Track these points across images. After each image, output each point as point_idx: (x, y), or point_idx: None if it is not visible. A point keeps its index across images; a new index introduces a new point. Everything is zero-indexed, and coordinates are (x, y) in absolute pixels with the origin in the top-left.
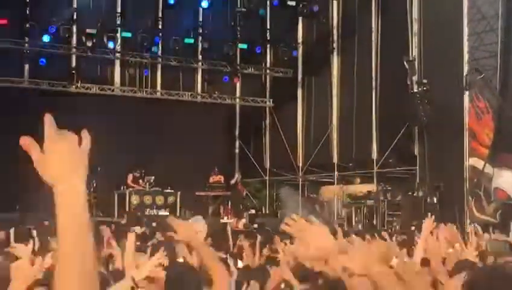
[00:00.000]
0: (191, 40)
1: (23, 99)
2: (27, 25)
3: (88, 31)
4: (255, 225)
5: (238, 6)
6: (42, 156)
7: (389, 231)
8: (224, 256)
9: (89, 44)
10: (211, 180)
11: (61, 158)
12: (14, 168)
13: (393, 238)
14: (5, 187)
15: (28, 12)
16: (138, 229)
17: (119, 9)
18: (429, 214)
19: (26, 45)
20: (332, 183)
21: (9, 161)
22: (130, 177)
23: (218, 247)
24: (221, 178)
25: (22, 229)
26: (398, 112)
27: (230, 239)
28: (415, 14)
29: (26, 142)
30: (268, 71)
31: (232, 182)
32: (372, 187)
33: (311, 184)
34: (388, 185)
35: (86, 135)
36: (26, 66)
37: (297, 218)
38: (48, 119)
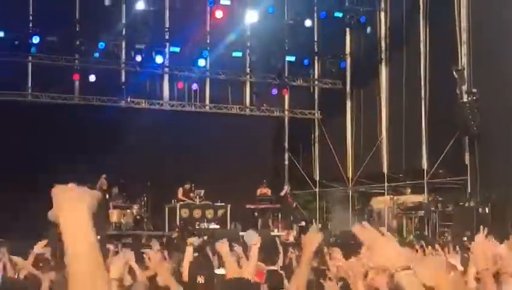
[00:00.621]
0: (239, 54)
1: (72, 114)
2: (77, 42)
3: (137, 46)
4: None
5: (286, 18)
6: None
7: (441, 241)
8: (274, 268)
9: (138, 59)
10: (259, 192)
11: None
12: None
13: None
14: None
15: (77, 29)
16: (196, 241)
17: (167, 25)
18: (481, 226)
19: (76, 61)
20: (382, 194)
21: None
22: (180, 191)
23: (268, 260)
24: (269, 191)
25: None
26: (448, 122)
27: (281, 251)
28: (464, 23)
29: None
30: (316, 83)
31: (282, 194)
32: (422, 197)
33: (361, 195)
34: (439, 195)
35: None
36: (77, 82)
37: (368, 226)
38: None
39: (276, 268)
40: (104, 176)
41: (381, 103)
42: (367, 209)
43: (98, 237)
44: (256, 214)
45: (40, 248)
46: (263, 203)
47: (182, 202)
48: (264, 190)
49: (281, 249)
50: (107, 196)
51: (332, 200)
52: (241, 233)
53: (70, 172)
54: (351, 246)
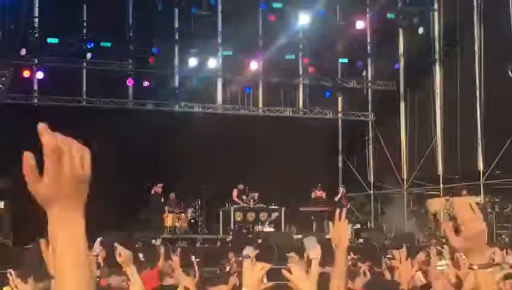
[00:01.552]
0: (292, 56)
1: (126, 119)
2: (130, 47)
3: (190, 50)
4: (361, 240)
5: (337, 20)
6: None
7: (498, 243)
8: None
9: (192, 63)
10: (313, 195)
11: (58, 178)
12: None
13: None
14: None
15: (131, 34)
16: (250, 251)
17: (219, 28)
18: None
19: (131, 66)
20: (437, 196)
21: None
22: (235, 192)
23: (324, 263)
24: (323, 194)
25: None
26: (504, 122)
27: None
28: None
29: (25, 159)
30: (370, 85)
31: (337, 198)
32: (479, 199)
33: (416, 197)
34: (495, 196)
35: (85, 151)
36: (130, 88)
37: (469, 201)
38: (44, 130)
39: (328, 271)
40: (160, 185)
41: (436, 103)
42: (422, 212)
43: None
44: (312, 217)
45: None
46: (318, 206)
47: (236, 205)
48: (319, 193)
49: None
50: (162, 200)
51: (386, 203)
52: (295, 236)
53: (123, 177)
54: (407, 249)
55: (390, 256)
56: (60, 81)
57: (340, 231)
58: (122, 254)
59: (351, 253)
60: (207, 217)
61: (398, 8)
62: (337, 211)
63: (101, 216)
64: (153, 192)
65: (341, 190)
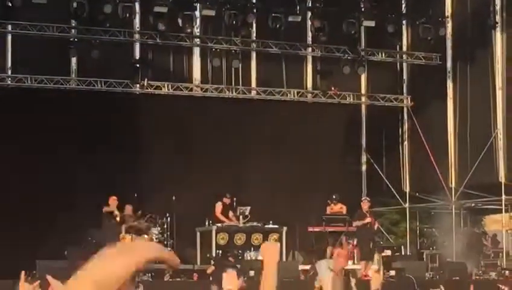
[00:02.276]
0: (298, 18)
1: (67, 102)
2: (73, 5)
3: (156, 9)
4: (392, 272)
5: None
6: None
7: None
8: None
9: (159, 27)
10: (329, 210)
11: None
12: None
13: None
14: (51, 229)
15: None
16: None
17: None
18: None
19: (74, 31)
20: (498, 211)
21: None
22: (219, 207)
23: None
24: (343, 208)
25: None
26: None
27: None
28: None
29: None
30: (405, 57)
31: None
32: None
33: (469, 213)
34: None
35: None
36: (74, 60)
37: None
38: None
39: None
40: (114, 197)
41: (496, 82)
42: (477, 232)
43: None
44: (325, 239)
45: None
46: (333, 225)
47: (219, 224)
48: (337, 207)
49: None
50: (118, 217)
51: (428, 220)
52: (301, 267)
53: (66, 180)
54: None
55: None
56: None
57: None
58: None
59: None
60: (179, 240)
61: None
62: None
63: (36, 241)
64: (104, 210)
65: (365, 202)
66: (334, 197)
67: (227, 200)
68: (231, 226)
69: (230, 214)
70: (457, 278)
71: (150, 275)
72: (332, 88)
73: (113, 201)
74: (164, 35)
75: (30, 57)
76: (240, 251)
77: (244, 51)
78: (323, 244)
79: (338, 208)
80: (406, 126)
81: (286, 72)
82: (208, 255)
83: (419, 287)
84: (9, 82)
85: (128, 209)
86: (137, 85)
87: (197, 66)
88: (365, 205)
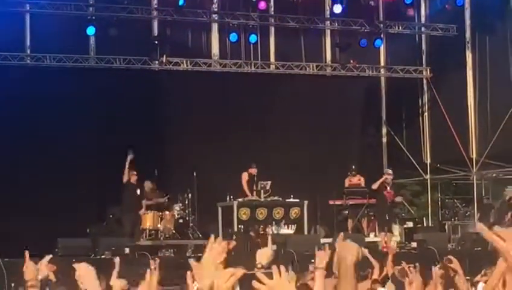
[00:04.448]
0: None
1: (89, 79)
2: None
3: None
4: (414, 244)
5: None
6: None
7: None
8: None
9: (177, 3)
10: (347, 182)
11: None
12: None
13: None
14: (73, 206)
15: None
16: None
17: None
18: None
19: (91, 9)
20: None
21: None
22: (245, 177)
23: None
24: (361, 180)
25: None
26: None
27: (377, 265)
28: None
29: None
30: (423, 29)
31: (375, 186)
32: None
33: (492, 183)
34: None
35: None
36: (92, 39)
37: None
38: None
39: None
40: (130, 156)
41: None
42: (499, 203)
43: None
44: (345, 212)
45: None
46: (353, 198)
47: (240, 199)
48: (355, 179)
49: (375, 261)
50: (138, 192)
51: (449, 191)
52: (323, 240)
53: (80, 163)
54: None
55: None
56: None
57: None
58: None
59: (402, 262)
60: (201, 216)
61: None
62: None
63: (56, 217)
64: (125, 178)
65: (385, 175)
66: (352, 168)
67: (252, 171)
68: (252, 200)
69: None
70: (479, 249)
71: (171, 250)
72: (351, 61)
73: (133, 177)
74: (182, 11)
75: (49, 36)
76: (262, 226)
77: (262, 25)
78: (344, 217)
79: (356, 179)
80: (425, 97)
81: (304, 46)
82: (230, 231)
83: (441, 258)
84: (28, 61)
85: (148, 185)
86: (156, 62)
87: (216, 41)
88: (387, 177)
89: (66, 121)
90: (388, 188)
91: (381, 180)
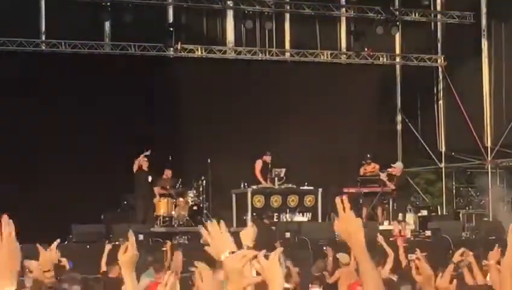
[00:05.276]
0: None
1: (103, 66)
2: None
3: None
4: (428, 232)
5: None
6: None
7: None
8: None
9: None
10: (362, 171)
11: None
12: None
13: None
14: (88, 193)
15: None
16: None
17: None
18: None
19: None
20: None
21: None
22: (259, 164)
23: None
24: (376, 167)
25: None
26: None
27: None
28: None
29: None
30: (439, 17)
31: (394, 169)
32: None
33: (506, 172)
34: None
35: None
36: (107, 24)
37: None
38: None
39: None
40: (145, 152)
41: None
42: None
43: None
44: (360, 200)
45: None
46: (369, 186)
47: (254, 186)
48: (370, 167)
49: (389, 250)
50: (150, 179)
51: (464, 180)
52: None
53: (102, 144)
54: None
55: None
56: (11, 18)
57: (349, 225)
58: (129, 251)
59: (417, 250)
60: (215, 203)
61: None
62: (338, 198)
63: (70, 203)
64: (135, 167)
65: (399, 163)
66: (368, 156)
67: (267, 158)
68: (267, 188)
69: (267, 175)
70: (494, 237)
71: (186, 237)
72: (366, 49)
73: (144, 163)
74: None
75: (64, 23)
76: (276, 213)
77: (277, 12)
78: (358, 205)
79: (371, 168)
80: (440, 86)
81: (320, 33)
82: (244, 218)
83: (456, 247)
84: (43, 47)
85: (168, 173)
86: (171, 48)
87: (231, 28)
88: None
89: (80, 107)
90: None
91: (397, 167)
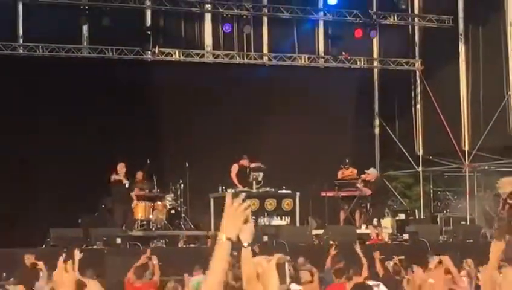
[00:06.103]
0: None
1: (81, 70)
2: None
3: None
4: (406, 236)
5: None
6: None
7: None
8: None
9: None
10: (340, 175)
11: None
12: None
13: None
14: (65, 197)
15: None
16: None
17: None
18: None
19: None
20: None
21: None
22: (235, 169)
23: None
24: (354, 171)
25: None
26: None
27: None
28: None
29: None
30: (416, 20)
31: (367, 175)
32: None
33: (483, 175)
34: None
35: None
36: (85, 28)
37: None
38: None
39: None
40: (122, 164)
41: (508, 44)
42: (491, 195)
43: None
44: (338, 203)
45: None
46: (347, 189)
47: (233, 190)
48: (348, 171)
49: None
50: (128, 183)
51: (442, 183)
52: (314, 231)
53: (79, 148)
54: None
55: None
56: None
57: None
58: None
59: (394, 256)
60: (193, 206)
61: None
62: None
63: (49, 207)
64: (112, 179)
65: (375, 169)
66: (346, 161)
67: (244, 162)
68: (244, 191)
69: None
70: (471, 241)
71: (163, 241)
72: (343, 53)
73: (121, 168)
74: (175, 1)
75: (41, 26)
76: (253, 217)
77: (256, 16)
78: (336, 209)
79: (349, 172)
80: (418, 89)
81: (298, 37)
82: (221, 221)
83: (432, 250)
84: (20, 51)
85: (139, 175)
86: (149, 52)
87: (209, 32)
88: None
89: (57, 111)
90: (381, 178)
91: (374, 171)
